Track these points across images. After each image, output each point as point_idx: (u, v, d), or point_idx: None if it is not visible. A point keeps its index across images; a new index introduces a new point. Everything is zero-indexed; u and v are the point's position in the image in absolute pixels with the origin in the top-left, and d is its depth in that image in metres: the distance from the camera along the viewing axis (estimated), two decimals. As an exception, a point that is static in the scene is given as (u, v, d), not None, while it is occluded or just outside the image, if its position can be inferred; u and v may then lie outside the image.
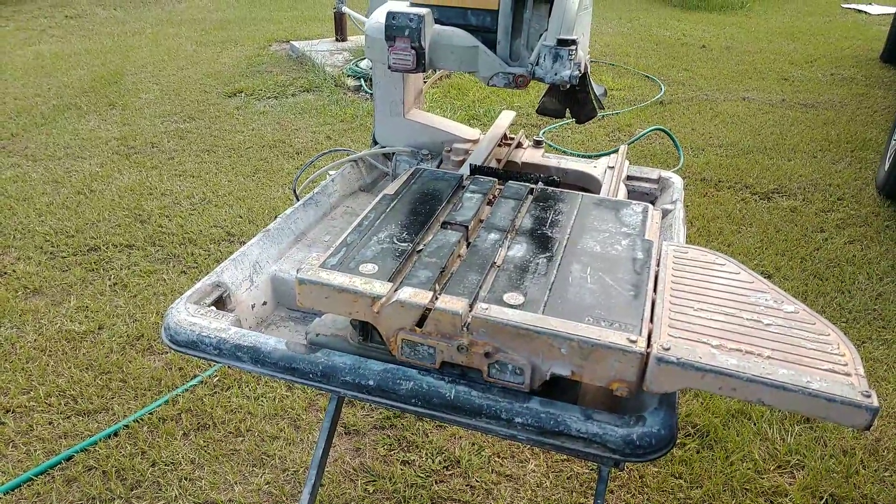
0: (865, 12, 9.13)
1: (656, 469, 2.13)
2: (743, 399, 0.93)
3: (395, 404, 1.09)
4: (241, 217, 3.50)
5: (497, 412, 1.03)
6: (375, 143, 1.86)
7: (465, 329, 1.03)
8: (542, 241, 1.25)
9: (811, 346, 0.99)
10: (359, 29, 6.24)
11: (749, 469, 2.13)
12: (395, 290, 1.08)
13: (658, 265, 1.20)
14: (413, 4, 1.56)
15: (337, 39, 6.52)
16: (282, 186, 3.85)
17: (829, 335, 1.01)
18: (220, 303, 1.30)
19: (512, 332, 1.00)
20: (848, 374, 0.93)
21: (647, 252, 1.21)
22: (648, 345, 0.98)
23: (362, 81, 5.45)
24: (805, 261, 3.23)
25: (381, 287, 1.07)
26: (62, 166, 4.08)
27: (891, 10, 9.00)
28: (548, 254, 1.20)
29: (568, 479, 2.10)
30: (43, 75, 5.74)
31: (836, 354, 0.97)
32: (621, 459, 1.00)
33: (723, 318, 1.04)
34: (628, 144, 4.20)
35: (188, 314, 1.20)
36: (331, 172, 1.80)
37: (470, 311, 1.04)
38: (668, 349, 0.96)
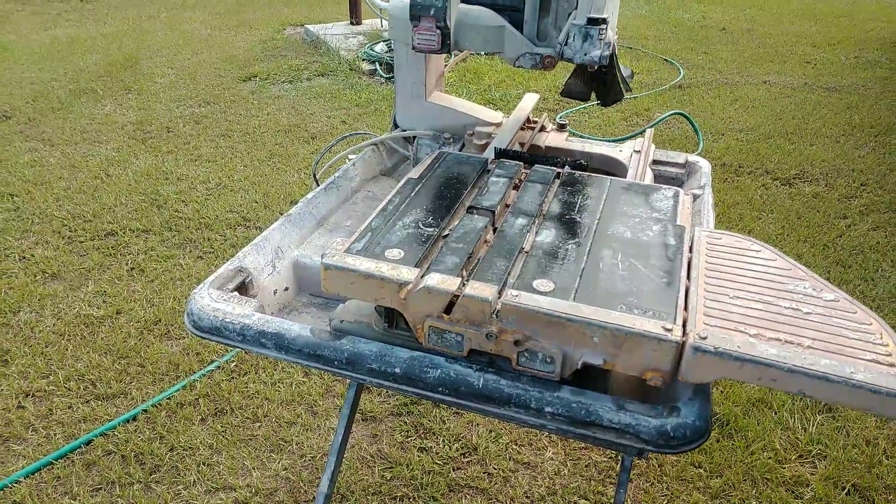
0: (889, -6, 8.92)
1: (676, 458, 2.10)
2: (783, 390, 0.90)
3: (421, 392, 1.07)
4: (256, 202, 3.49)
5: (527, 401, 1.00)
6: (396, 126, 1.83)
7: (494, 316, 1.00)
8: (570, 226, 1.22)
9: (853, 336, 0.95)
10: (374, 12, 6.18)
11: (770, 458, 2.11)
12: (423, 277, 1.05)
13: (691, 251, 1.16)
14: (437, -17, 1.53)
15: (351, 23, 6.46)
16: (297, 171, 3.83)
17: (871, 324, 0.97)
18: (243, 288, 1.28)
19: (543, 320, 0.98)
20: (892, 365, 0.89)
21: (680, 238, 1.18)
22: (684, 333, 0.95)
23: (377, 65, 5.40)
24: (828, 248, 3.17)
25: (408, 273, 1.05)
26: (79, 151, 4.09)
27: (915, -8, 8.79)
28: (577, 239, 1.17)
29: (586, 467, 2.08)
30: (59, 59, 5.75)
31: (878, 345, 0.94)
32: (654, 451, 0.97)
33: (760, 306, 1.01)
34: (648, 129, 4.15)
35: (211, 300, 1.18)
36: (351, 156, 1.78)
37: (499, 297, 1.02)
38: (704, 338, 0.93)
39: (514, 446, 2.15)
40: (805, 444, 2.16)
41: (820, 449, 2.15)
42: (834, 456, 2.11)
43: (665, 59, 5.89)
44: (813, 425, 2.22)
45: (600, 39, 1.28)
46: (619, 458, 1.91)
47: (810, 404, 2.29)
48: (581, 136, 4.21)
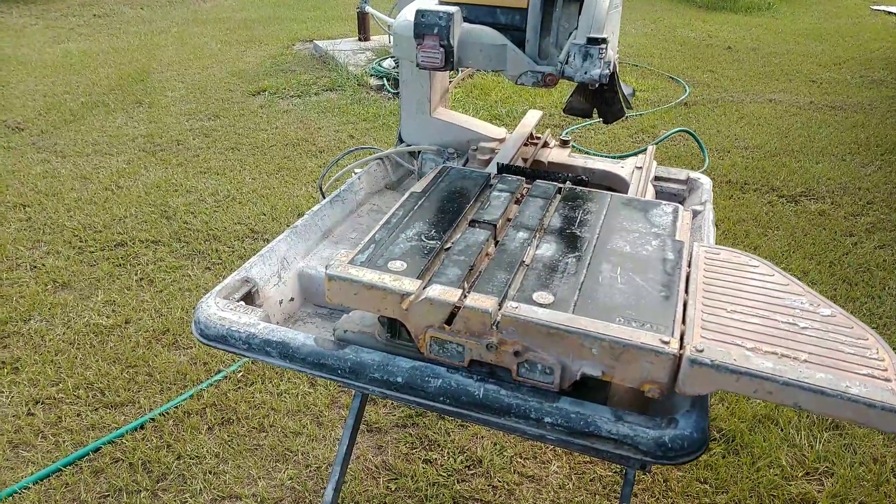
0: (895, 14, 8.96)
1: (681, 473, 2.10)
2: (779, 403, 0.91)
3: (423, 402, 1.09)
4: (264, 214, 3.52)
5: (526, 411, 1.02)
6: (401, 141, 1.86)
7: (494, 327, 1.02)
8: (570, 240, 1.24)
9: (849, 351, 0.97)
10: (382, 28, 6.26)
11: (776, 475, 2.10)
12: (425, 288, 1.07)
13: (689, 266, 1.18)
14: (442, 2, 1.56)
15: (360, 39, 6.54)
16: (304, 184, 3.87)
17: (867, 339, 0.99)
18: (249, 298, 1.30)
19: (542, 332, 1.00)
20: (888, 380, 0.91)
21: (678, 253, 1.20)
22: (681, 346, 0.96)
23: (385, 81, 5.46)
24: (834, 265, 3.17)
25: (410, 284, 1.07)
26: (90, 162, 4.15)
27: (922, 10, 8.82)
28: (577, 253, 1.19)
29: (591, 481, 2.09)
30: (71, 73, 5.84)
31: (874, 359, 0.95)
32: (652, 462, 0.98)
33: (757, 320, 1.03)
34: (651, 146, 4.18)
35: (218, 309, 1.21)
36: (357, 170, 1.81)
37: (499, 309, 1.04)
38: (701, 351, 0.94)
39: (519, 459, 2.16)
40: (812, 461, 2.15)
41: (827, 466, 2.14)
42: (841, 474, 2.11)
43: (671, 77, 5.93)
44: (820, 442, 2.21)
45: (600, 59, 1.31)
46: (623, 471, 1.91)
47: (817, 421, 2.29)
48: (584, 152, 4.24)
